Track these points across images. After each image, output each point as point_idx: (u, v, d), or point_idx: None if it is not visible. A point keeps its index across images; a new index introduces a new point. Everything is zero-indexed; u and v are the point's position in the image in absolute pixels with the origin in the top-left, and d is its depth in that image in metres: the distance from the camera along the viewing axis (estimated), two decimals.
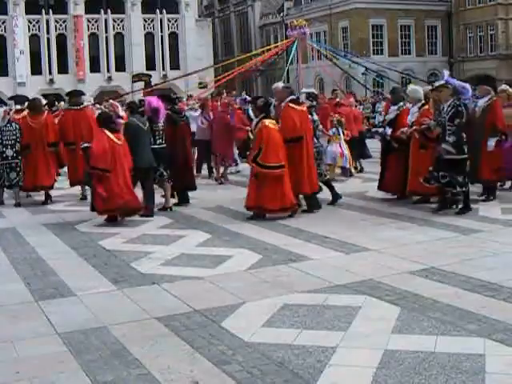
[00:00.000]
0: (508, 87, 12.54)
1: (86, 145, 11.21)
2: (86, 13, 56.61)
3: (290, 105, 10.38)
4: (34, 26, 56.02)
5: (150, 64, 57.95)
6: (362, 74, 35.50)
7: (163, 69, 58.78)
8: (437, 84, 10.69)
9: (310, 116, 10.86)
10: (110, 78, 57.04)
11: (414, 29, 55.20)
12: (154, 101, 11.26)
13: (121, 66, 57.72)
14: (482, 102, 11.00)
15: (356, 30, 53.02)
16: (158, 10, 58.66)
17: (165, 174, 11.06)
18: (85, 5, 56.38)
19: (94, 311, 5.78)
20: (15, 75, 54.29)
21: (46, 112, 12.94)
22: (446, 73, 11.02)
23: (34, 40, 56.10)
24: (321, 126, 11.77)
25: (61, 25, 56.77)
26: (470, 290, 6.03)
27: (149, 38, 59.20)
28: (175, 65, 59.41)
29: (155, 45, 59.20)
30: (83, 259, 7.79)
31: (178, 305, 5.90)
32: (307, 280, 6.58)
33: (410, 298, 5.83)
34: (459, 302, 5.66)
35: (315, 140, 10.98)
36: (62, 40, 56.64)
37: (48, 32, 56.12)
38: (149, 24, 59.16)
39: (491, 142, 10.78)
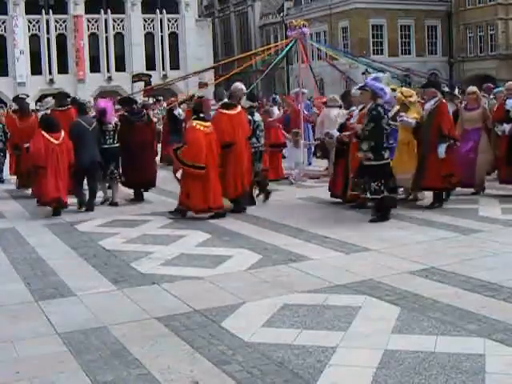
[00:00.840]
0: (476, 89, 12.15)
1: (26, 145, 11.83)
2: (86, 13, 56.63)
3: (221, 110, 10.73)
4: (34, 25, 56.05)
5: (150, 64, 57.98)
6: (363, 73, 35.49)
7: (163, 69, 58.80)
8: (356, 87, 10.74)
9: (250, 117, 10.98)
10: (110, 78, 57.07)
11: (414, 29, 55.17)
12: (102, 102, 12.28)
13: (121, 66, 57.75)
14: (428, 106, 10.46)
15: (356, 30, 52.99)
16: (157, 10, 58.68)
17: (115, 172, 11.78)
18: (85, 5, 56.40)
19: (94, 311, 5.78)
20: (15, 75, 54.32)
21: (34, 115, 13.65)
22: (375, 76, 10.49)
23: (34, 40, 56.13)
24: (262, 127, 11.58)
25: (61, 25, 56.79)
26: (470, 289, 6.02)
27: (149, 38, 59.23)
28: (175, 65, 59.44)
29: (155, 45, 59.22)
30: (83, 259, 7.79)
31: (178, 305, 5.90)
32: (307, 280, 6.58)
33: (410, 298, 5.83)
34: (459, 301, 5.66)
35: (255, 140, 11.06)
36: (62, 40, 56.66)
37: (48, 32, 56.15)
38: (149, 24, 59.18)
39: (441, 149, 10.05)
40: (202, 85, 24.61)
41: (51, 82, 55.46)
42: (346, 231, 8.82)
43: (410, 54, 54.67)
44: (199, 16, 63.51)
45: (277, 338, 4.98)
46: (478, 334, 4.89)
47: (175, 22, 60.08)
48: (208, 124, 10.24)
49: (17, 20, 54.58)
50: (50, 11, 56.02)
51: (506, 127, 10.94)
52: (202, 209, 10.03)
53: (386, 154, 9.57)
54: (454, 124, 10.84)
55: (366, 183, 9.45)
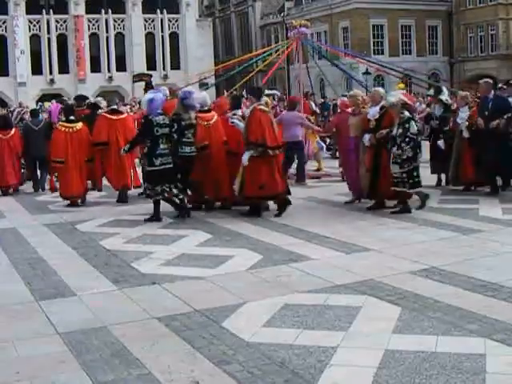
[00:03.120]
0: (359, 93, 11.51)
1: None
2: (87, 13, 56.61)
3: (105, 114, 12.49)
4: (34, 25, 56.04)
5: (151, 64, 57.94)
6: (363, 74, 35.52)
7: (164, 69, 58.79)
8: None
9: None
10: (110, 78, 57.05)
11: (415, 29, 55.17)
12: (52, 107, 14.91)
13: (121, 66, 57.72)
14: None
15: (357, 29, 53.00)
16: (158, 10, 58.66)
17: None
18: (85, 5, 56.39)
19: (95, 311, 5.78)
20: (16, 75, 54.31)
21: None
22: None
23: (35, 40, 56.12)
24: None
25: (61, 25, 56.78)
26: (470, 289, 6.02)
27: (149, 37, 59.21)
28: (176, 65, 59.44)
29: (156, 45, 59.21)
30: (84, 259, 7.79)
31: (179, 305, 5.90)
32: (308, 280, 6.58)
33: (410, 298, 5.83)
34: (460, 301, 5.66)
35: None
36: (62, 40, 56.65)
37: (49, 32, 56.13)
38: (149, 24, 59.16)
39: (245, 156, 9.89)
40: (203, 85, 24.64)
41: (52, 81, 55.49)
42: (347, 231, 8.82)
43: (410, 54, 54.67)
44: (200, 16, 63.50)
45: (277, 337, 4.98)
46: (478, 334, 4.89)
47: (176, 21, 60.07)
48: (72, 125, 12.13)
49: (17, 20, 54.56)
50: (51, 11, 56.00)
51: (366, 137, 10.35)
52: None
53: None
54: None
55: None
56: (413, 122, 9.85)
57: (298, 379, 4.26)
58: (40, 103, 23.91)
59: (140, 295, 6.23)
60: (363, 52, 44.43)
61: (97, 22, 57.53)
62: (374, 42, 53.56)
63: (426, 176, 12.62)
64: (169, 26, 59.62)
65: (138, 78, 53.00)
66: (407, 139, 9.77)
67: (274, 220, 9.77)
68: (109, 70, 57.49)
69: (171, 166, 10.05)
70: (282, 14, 60.05)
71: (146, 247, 8.34)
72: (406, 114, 9.85)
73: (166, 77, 57.46)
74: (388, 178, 10.01)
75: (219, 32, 69.25)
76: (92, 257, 7.88)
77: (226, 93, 22.09)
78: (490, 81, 12.15)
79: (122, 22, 58.37)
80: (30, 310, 5.90)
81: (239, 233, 8.98)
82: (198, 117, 10.85)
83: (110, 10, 57.20)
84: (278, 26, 60.89)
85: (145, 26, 58.91)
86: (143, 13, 58.42)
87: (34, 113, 16.09)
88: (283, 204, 10.28)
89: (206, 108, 11.23)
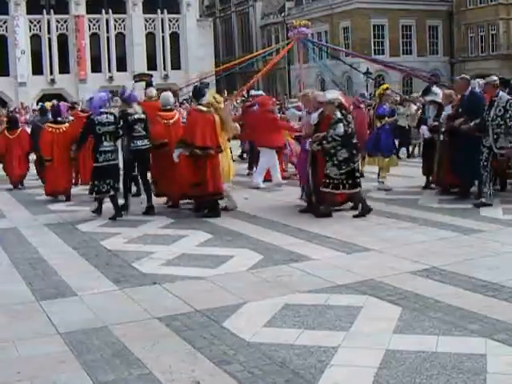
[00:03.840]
0: (311, 92, 11.25)
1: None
2: (88, 13, 56.72)
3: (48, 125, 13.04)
4: (35, 25, 56.11)
5: (151, 64, 58.04)
6: (364, 74, 35.47)
7: (164, 69, 58.87)
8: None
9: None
10: (111, 78, 57.09)
11: (416, 29, 55.22)
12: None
13: (122, 66, 57.81)
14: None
15: (357, 29, 53.04)
16: (159, 10, 58.73)
17: None
18: (86, 5, 56.47)
19: (96, 311, 5.79)
20: (16, 75, 54.40)
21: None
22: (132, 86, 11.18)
23: (36, 40, 56.20)
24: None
25: (62, 25, 56.85)
26: (471, 289, 6.02)
27: (150, 37, 59.29)
28: (176, 65, 59.52)
29: (156, 45, 59.28)
30: (84, 259, 7.79)
31: (180, 305, 5.90)
32: (308, 280, 6.58)
33: (411, 298, 5.82)
34: (460, 301, 5.66)
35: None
36: (63, 40, 56.74)
37: (49, 32, 56.22)
38: (150, 24, 59.23)
39: (174, 154, 10.20)
40: (204, 85, 24.62)
41: (52, 81, 55.56)
42: (347, 231, 8.82)
43: (411, 53, 54.72)
44: (200, 16, 63.57)
45: (278, 337, 4.98)
46: (479, 334, 4.88)
47: (176, 21, 60.12)
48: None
49: (18, 20, 54.64)
50: (52, 11, 56.10)
51: (307, 142, 10.30)
52: None
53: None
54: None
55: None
56: (340, 124, 9.75)
57: (298, 379, 4.26)
58: (41, 103, 24.04)
59: (141, 295, 6.23)
60: (363, 52, 44.46)
61: (97, 22, 57.60)
62: (374, 42, 53.62)
63: (420, 176, 12.69)
64: (169, 25, 59.68)
65: (138, 78, 53.06)
66: (330, 139, 9.75)
67: (274, 220, 9.77)
68: (109, 70, 57.57)
69: (115, 162, 10.51)
70: (283, 14, 60.10)
71: (146, 247, 8.34)
72: (338, 114, 9.83)
73: (166, 77, 57.56)
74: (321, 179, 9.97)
75: (220, 32, 69.29)
76: (93, 257, 7.88)
77: (226, 92, 22.08)
78: (467, 77, 11.80)
79: (122, 21, 58.45)
80: (30, 310, 5.90)
81: (240, 233, 8.98)
82: (159, 115, 11.24)
83: (110, 10, 57.28)
84: (278, 26, 60.92)
85: (145, 25, 58.98)
86: (144, 13, 58.49)
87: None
88: (211, 206, 10.30)
89: (169, 107, 11.55)
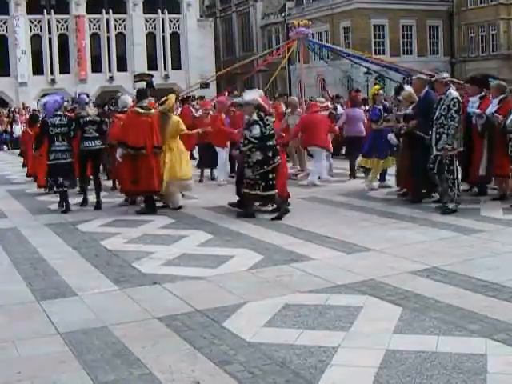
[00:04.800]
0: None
1: None
2: (88, 13, 56.74)
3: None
4: (35, 25, 56.14)
5: (152, 64, 58.05)
6: (364, 73, 35.50)
7: (165, 69, 58.89)
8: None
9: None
10: (111, 78, 57.15)
11: (416, 29, 55.19)
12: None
13: (122, 66, 57.84)
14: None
15: (357, 29, 53.02)
16: (159, 10, 58.75)
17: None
18: (86, 5, 56.50)
19: (96, 311, 5.79)
20: (17, 75, 54.43)
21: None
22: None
23: (36, 40, 56.23)
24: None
25: (62, 25, 56.88)
26: (471, 289, 6.02)
27: (150, 37, 59.32)
28: (177, 65, 59.55)
29: (157, 45, 59.31)
30: (85, 259, 7.79)
31: (180, 305, 5.90)
32: (309, 280, 6.58)
33: (411, 298, 5.82)
34: (461, 301, 5.66)
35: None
36: (63, 40, 56.77)
37: (50, 32, 56.25)
38: (150, 24, 59.25)
39: (118, 153, 10.91)
40: (204, 85, 24.64)
41: (53, 81, 55.56)
42: (348, 231, 8.82)
43: (411, 53, 54.69)
44: (201, 16, 63.59)
45: (278, 337, 4.98)
46: (479, 334, 4.88)
47: (177, 21, 60.14)
48: None
49: (18, 20, 54.68)
50: (52, 11, 56.13)
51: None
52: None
53: None
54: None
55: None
56: (256, 126, 9.84)
57: (298, 379, 4.26)
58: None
59: (141, 295, 6.23)
60: (364, 52, 44.41)
61: (98, 21, 57.62)
62: (374, 42, 53.58)
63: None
64: (170, 25, 59.70)
65: (138, 78, 53.07)
66: (246, 141, 9.87)
67: (274, 220, 9.76)
68: (110, 70, 57.60)
69: (65, 161, 11.13)
70: (283, 14, 60.08)
71: (146, 247, 8.34)
72: (254, 116, 9.92)
73: (166, 77, 57.60)
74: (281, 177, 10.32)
75: (220, 32, 69.27)
76: (93, 257, 7.88)
77: (226, 93, 22.04)
78: (423, 77, 11.30)
79: (122, 21, 58.47)
80: (30, 310, 5.90)
81: (240, 233, 8.98)
82: (116, 117, 12.39)
83: (110, 10, 57.31)
84: (279, 26, 60.91)
85: (146, 25, 59.00)
86: (144, 13, 58.52)
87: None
88: (148, 203, 10.91)
89: (125, 110, 12.09)
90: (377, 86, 13.89)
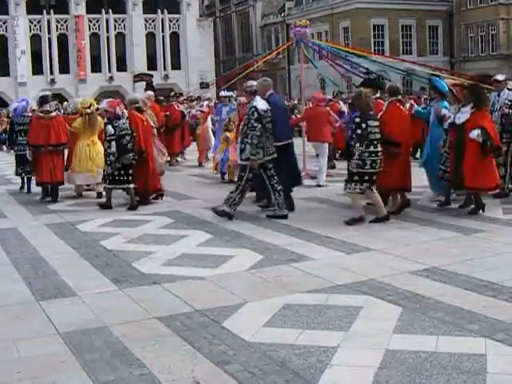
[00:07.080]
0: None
1: None
2: (87, 13, 56.68)
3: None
4: (35, 25, 56.08)
5: (151, 64, 58.01)
6: (365, 73, 35.42)
7: (164, 69, 58.83)
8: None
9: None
10: (111, 78, 57.09)
11: (416, 29, 55.18)
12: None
13: (122, 66, 57.78)
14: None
15: (357, 30, 53.01)
16: (159, 10, 58.69)
17: None
18: (86, 5, 56.43)
19: (95, 311, 5.79)
20: (16, 75, 54.39)
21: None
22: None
23: (36, 40, 56.17)
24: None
25: (62, 25, 56.83)
26: (471, 289, 6.02)
27: (150, 37, 59.25)
28: (176, 65, 59.49)
29: (156, 45, 59.24)
30: (84, 259, 7.79)
31: (180, 305, 5.90)
32: (308, 280, 6.58)
33: (411, 298, 5.83)
34: (460, 302, 5.66)
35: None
36: (63, 40, 56.71)
37: (49, 32, 56.19)
38: (150, 24, 59.19)
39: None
40: (204, 85, 24.63)
41: (52, 81, 55.51)
42: (348, 231, 8.82)
43: (411, 53, 54.56)
44: (200, 16, 63.51)
45: (278, 337, 4.98)
46: (479, 334, 4.88)
47: (176, 21, 60.08)
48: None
49: (18, 20, 54.61)
50: (51, 11, 56.06)
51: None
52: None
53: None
54: None
55: None
56: (109, 126, 11.03)
57: (298, 379, 4.26)
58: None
59: (141, 295, 6.23)
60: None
61: (97, 21, 57.57)
62: (374, 42, 53.54)
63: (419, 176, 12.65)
64: (169, 25, 59.64)
65: (138, 78, 53.07)
66: (106, 140, 11.15)
67: (274, 220, 9.76)
68: (109, 70, 57.54)
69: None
70: (283, 14, 60.06)
71: (146, 247, 8.34)
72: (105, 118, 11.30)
73: (166, 77, 57.57)
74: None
75: (220, 32, 69.23)
76: (93, 257, 7.88)
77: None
78: (268, 79, 10.67)
79: (122, 21, 58.41)
80: (30, 310, 5.90)
81: (240, 233, 8.98)
82: (66, 118, 13.66)
83: (110, 10, 57.26)
84: (278, 26, 60.88)
85: (145, 25, 58.94)
86: (144, 13, 58.46)
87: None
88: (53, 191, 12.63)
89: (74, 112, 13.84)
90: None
